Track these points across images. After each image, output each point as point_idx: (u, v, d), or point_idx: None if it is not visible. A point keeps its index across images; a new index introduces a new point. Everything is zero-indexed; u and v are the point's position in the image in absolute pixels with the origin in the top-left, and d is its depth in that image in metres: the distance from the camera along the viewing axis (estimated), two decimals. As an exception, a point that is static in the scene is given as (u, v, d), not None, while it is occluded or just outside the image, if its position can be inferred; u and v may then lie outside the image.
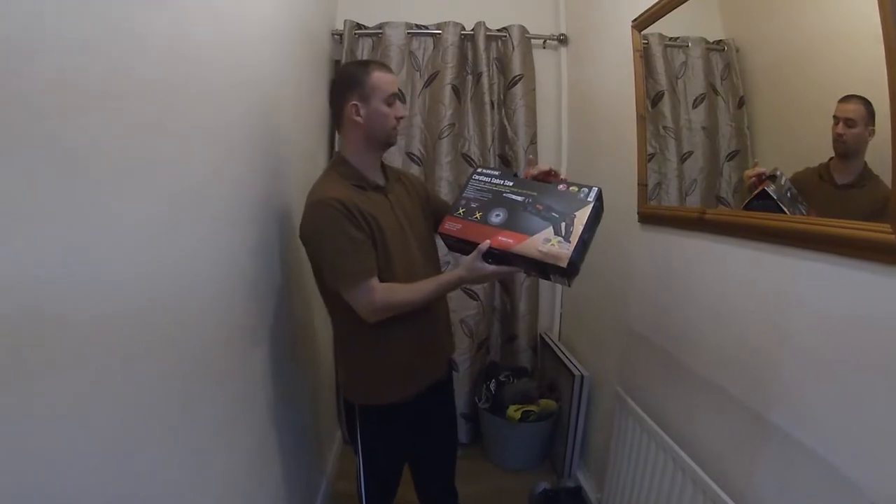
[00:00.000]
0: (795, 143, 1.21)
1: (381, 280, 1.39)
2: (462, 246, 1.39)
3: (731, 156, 1.42)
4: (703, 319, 1.48)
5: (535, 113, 2.57)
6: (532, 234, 1.28)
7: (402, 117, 1.46)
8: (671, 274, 1.66)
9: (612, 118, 2.11)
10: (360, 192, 1.42)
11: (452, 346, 1.75)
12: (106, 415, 0.75)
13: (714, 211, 1.43)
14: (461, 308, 2.57)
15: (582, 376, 2.26)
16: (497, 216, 1.34)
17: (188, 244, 1.01)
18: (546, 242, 1.26)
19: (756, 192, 1.26)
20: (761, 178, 1.26)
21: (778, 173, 1.23)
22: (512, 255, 1.29)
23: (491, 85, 2.54)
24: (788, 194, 1.21)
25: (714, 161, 1.51)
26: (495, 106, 2.57)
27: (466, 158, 2.54)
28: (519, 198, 1.35)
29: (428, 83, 2.53)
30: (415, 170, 2.52)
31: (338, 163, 1.49)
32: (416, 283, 1.40)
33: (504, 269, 1.34)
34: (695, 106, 1.63)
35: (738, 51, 1.42)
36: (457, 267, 1.40)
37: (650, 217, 1.76)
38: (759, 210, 1.23)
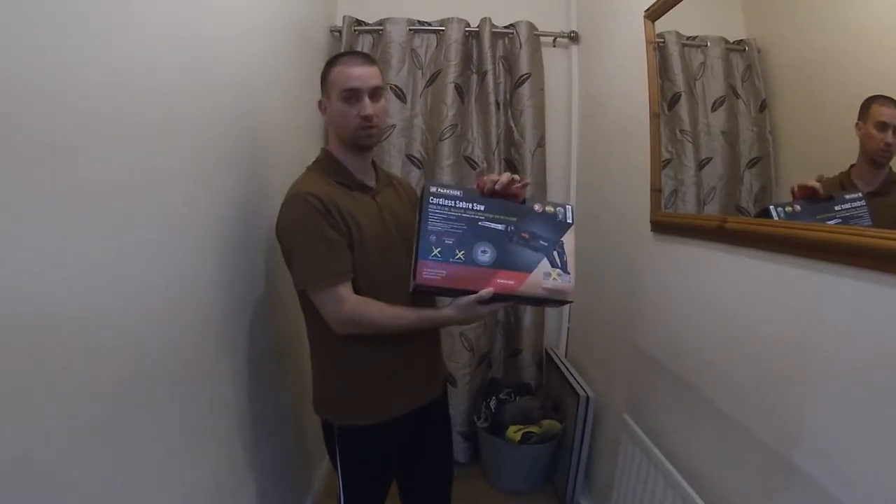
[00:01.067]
0: (821, 149, 1.12)
1: (359, 289, 1.27)
2: (449, 293, 1.24)
3: (753, 163, 1.31)
4: (719, 342, 1.32)
5: (543, 114, 2.42)
6: (530, 270, 1.20)
7: (366, 116, 1.29)
8: (685, 290, 1.50)
9: (624, 118, 1.96)
10: (343, 191, 1.30)
11: (443, 367, 1.60)
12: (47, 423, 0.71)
13: (736, 219, 1.27)
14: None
15: (587, 397, 2.10)
16: (484, 253, 1.20)
17: (144, 245, 0.96)
18: (548, 277, 1.20)
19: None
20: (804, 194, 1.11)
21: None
22: (514, 297, 1.22)
23: (497, 84, 2.40)
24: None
25: (734, 168, 1.38)
26: (501, 107, 2.43)
27: (469, 161, 2.40)
28: (499, 226, 1.22)
29: (430, 82, 2.39)
30: (415, 173, 2.39)
31: (323, 158, 1.37)
32: (397, 307, 1.26)
33: (497, 306, 1.24)
34: (714, 109, 1.50)
35: (759, 51, 1.32)
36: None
37: (664, 226, 1.60)
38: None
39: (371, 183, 1.39)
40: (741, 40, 1.38)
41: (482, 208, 1.22)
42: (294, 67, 1.85)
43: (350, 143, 1.32)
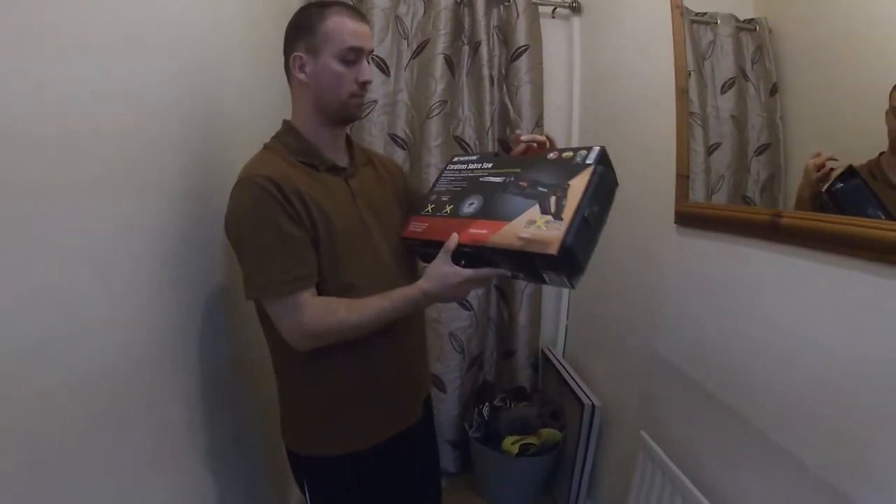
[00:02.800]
0: (835, 137, 1.06)
1: (328, 296, 1.05)
2: (431, 251, 1.06)
3: (761, 150, 1.23)
4: (763, 357, 1.13)
5: (541, 91, 2.18)
6: (512, 218, 0.98)
7: (366, 82, 1.08)
8: (721, 293, 1.29)
9: (640, 95, 1.73)
10: (307, 173, 1.07)
11: (427, 383, 1.37)
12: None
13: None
14: (451, 320, 2.19)
15: (593, 406, 1.89)
16: (470, 205, 1.06)
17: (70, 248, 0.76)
18: (530, 225, 0.95)
19: (837, 175, 1.00)
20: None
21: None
22: (489, 251, 0.98)
23: (491, 57, 2.14)
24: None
25: (742, 155, 1.29)
26: (495, 81, 2.17)
27: (460, 142, 2.15)
28: (498, 179, 1.07)
29: (416, 53, 2.13)
30: (399, 155, 2.13)
31: (284, 132, 1.12)
32: (364, 298, 1.04)
33: (483, 272, 1.01)
34: (723, 91, 1.37)
35: (770, 31, 1.24)
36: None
37: (693, 218, 1.39)
38: (847, 197, 0.98)
39: (344, 162, 1.16)
40: (752, 19, 1.29)
41: (490, 165, 1.13)
42: (261, 30, 1.58)
43: (335, 114, 1.09)
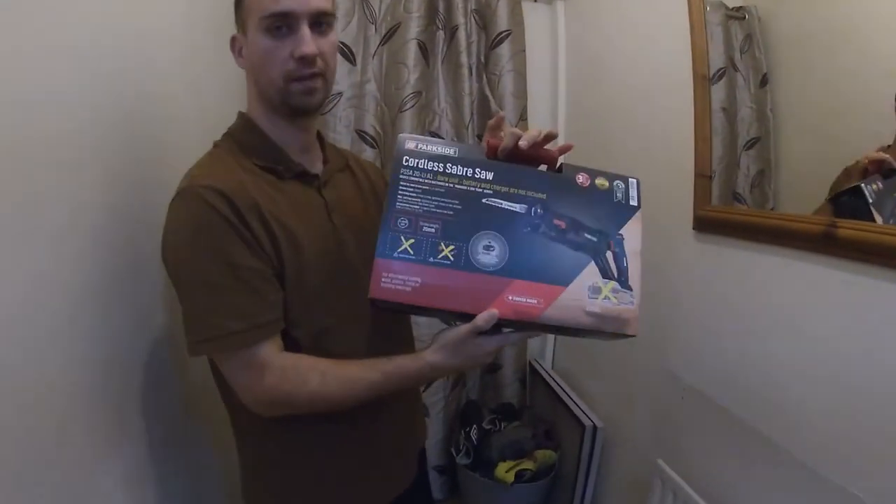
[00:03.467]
0: (827, 130, 1.02)
1: (298, 343, 0.82)
2: (418, 312, 0.83)
3: (751, 144, 1.17)
4: (808, 384, 1.00)
5: (525, 81, 1.98)
6: (566, 282, 0.76)
7: (306, 56, 0.79)
8: (749, 309, 1.14)
9: (643, 86, 1.55)
10: (269, 182, 0.83)
11: (423, 429, 1.16)
12: None
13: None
14: (431, 337, 1.97)
15: (594, 427, 1.72)
16: (488, 249, 0.76)
17: None
18: (596, 294, 0.76)
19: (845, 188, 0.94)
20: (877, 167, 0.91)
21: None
22: (537, 325, 0.77)
23: (469, 43, 1.92)
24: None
25: (732, 149, 1.21)
26: (474, 71, 1.96)
27: (437, 138, 1.93)
28: (517, 206, 0.78)
29: (386, 39, 1.89)
30: (368, 154, 1.90)
31: (240, 127, 0.88)
32: (349, 366, 0.80)
33: (512, 337, 0.80)
34: (713, 82, 1.26)
35: (760, 20, 1.19)
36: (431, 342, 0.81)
37: (716, 224, 1.22)
38: (845, 209, 0.93)
39: (315, 168, 0.92)
40: (741, 7, 1.24)
41: (489, 177, 0.79)
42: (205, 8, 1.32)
43: (277, 104, 0.83)
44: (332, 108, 1.85)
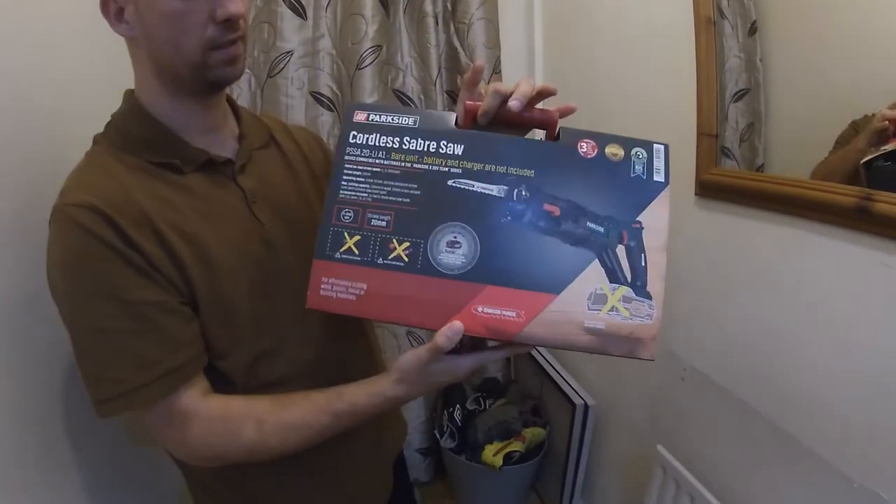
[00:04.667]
0: (821, 82, 0.92)
1: (230, 377, 0.67)
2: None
3: (739, 95, 1.07)
4: (831, 375, 0.88)
5: (497, 29, 1.77)
6: (558, 286, 0.59)
7: (232, 18, 0.60)
8: (765, 287, 1.02)
9: (632, 35, 1.37)
10: (164, 180, 0.65)
11: (399, 432, 1.02)
12: None
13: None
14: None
15: (585, 405, 1.62)
16: (453, 247, 0.60)
17: None
18: (599, 304, 0.58)
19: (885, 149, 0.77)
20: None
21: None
22: (515, 344, 0.62)
23: (433, -12, 1.71)
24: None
25: (720, 101, 1.09)
26: (440, 20, 1.74)
27: (401, 97, 1.74)
28: (494, 189, 0.61)
29: (338, -14, 1.67)
30: (325, 119, 1.70)
31: (124, 114, 0.68)
32: (293, 403, 0.65)
33: (491, 356, 0.65)
34: None
35: None
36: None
37: (724, 190, 1.08)
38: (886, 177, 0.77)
39: (227, 150, 0.72)
40: None
41: (459, 151, 0.62)
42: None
43: (188, 82, 0.64)
44: (283, 68, 1.63)
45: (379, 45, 1.68)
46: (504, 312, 0.58)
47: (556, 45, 1.80)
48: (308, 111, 1.69)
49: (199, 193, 0.67)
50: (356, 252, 0.61)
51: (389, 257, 0.60)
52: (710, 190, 1.11)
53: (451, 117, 0.65)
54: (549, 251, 0.60)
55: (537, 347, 1.86)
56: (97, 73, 0.92)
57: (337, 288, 0.60)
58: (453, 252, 0.60)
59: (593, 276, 0.59)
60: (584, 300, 0.58)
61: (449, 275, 0.59)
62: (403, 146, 0.63)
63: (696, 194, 1.15)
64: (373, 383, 0.64)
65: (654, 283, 0.59)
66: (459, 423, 1.84)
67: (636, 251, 0.60)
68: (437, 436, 1.87)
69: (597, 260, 0.59)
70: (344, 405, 0.64)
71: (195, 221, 0.64)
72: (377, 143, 0.63)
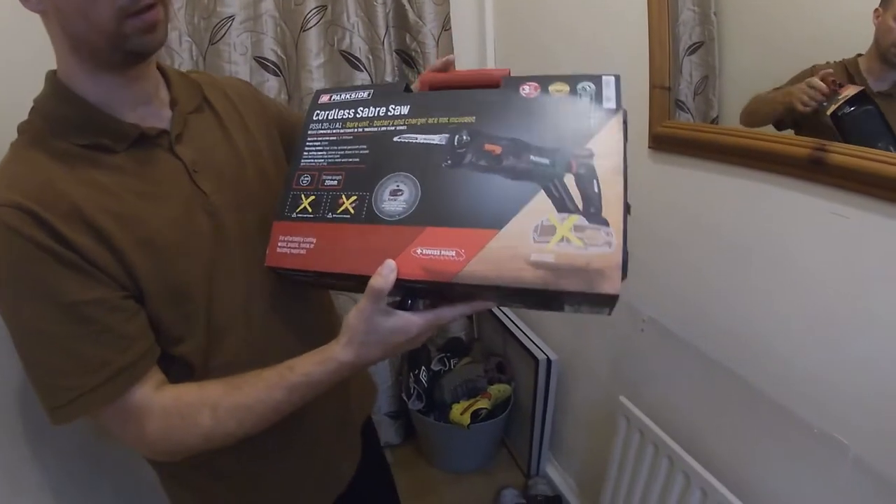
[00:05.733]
0: (775, 35, 0.94)
1: (190, 364, 0.66)
2: (329, 283, 0.70)
3: (693, 48, 1.07)
4: (787, 323, 0.91)
5: (445, -17, 1.72)
6: (500, 221, 0.56)
7: None
8: (718, 238, 1.05)
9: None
10: (95, 163, 0.60)
11: (368, 397, 1.02)
12: None
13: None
14: (369, 281, 1.82)
15: (549, 360, 1.65)
16: (396, 195, 0.61)
17: None
18: (546, 235, 0.55)
19: (845, 96, 0.79)
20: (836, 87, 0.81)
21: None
22: (460, 287, 0.57)
23: (376, -60, 1.64)
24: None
25: (674, 54, 1.09)
26: (386, -25, 1.68)
27: (349, 58, 1.68)
28: (435, 138, 0.62)
29: (275, -58, 1.58)
30: (271, 84, 1.63)
31: (46, 97, 0.63)
32: (245, 383, 0.62)
33: (445, 314, 0.61)
34: None
35: None
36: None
37: (677, 143, 1.08)
38: (858, 124, 0.79)
39: (161, 120, 0.67)
40: None
41: (405, 111, 0.66)
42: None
43: (105, 53, 0.59)
44: (225, 34, 1.54)
45: (323, 6, 1.61)
46: (443, 252, 0.57)
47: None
48: (253, 77, 1.61)
49: (134, 172, 0.62)
50: (310, 210, 0.63)
51: (338, 211, 0.62)
52: (663, 143, 1.12)
53: (403, 85, 0.68)
54: (492, 189, 0.58)
55: (501, 308, 1.89)
56: (22, 57, 0.85)
57: (290, 244, 0.63)
58: (395, 200, 0.60)
59: (539, 207, 0.56)
60: (530, 233, 0.55)
61: (390, 221, 0.60)
62: (357, 115, 0.67)
63: (649, 147, 1.16)
64: (323, 351, 0.62)
65: (611, 209, 0.55)
66: (426, 385, 1.86)
67: (587, 178, 0.56)
68: (405, 398, 1.89)
69: (542, 191, 0.57)
70: (297, 377, 0.61)
71: (133, 204, 0.60)
72: (335, 117, 0.68)
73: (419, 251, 0.57)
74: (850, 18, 0.80)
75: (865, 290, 0.78)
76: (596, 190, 0.56)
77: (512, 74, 0.65)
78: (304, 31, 1.60)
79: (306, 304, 0.81)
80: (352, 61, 1.68)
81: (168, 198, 0.64)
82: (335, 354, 0.61)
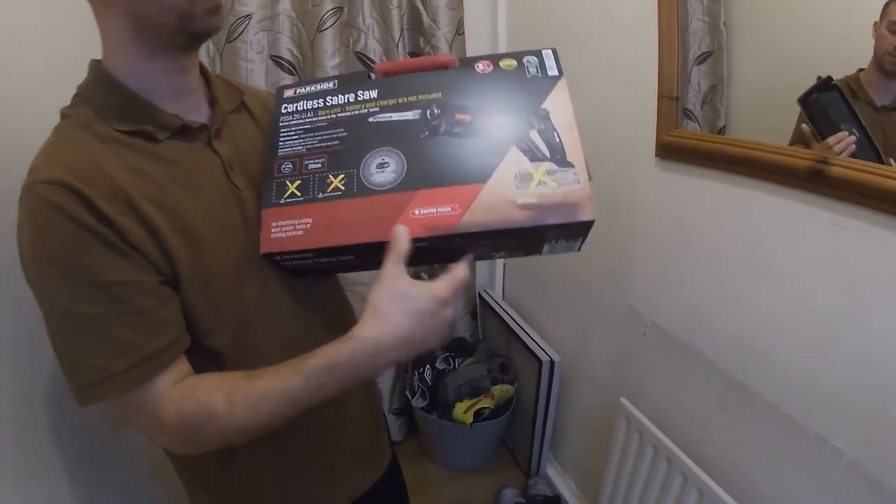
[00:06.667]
0: (782, 46, 0.95)
1: (216, 350, 0.66)
2: (325, 263, 0.70)
3: (703, 58, 1.09)
4: (787, 330, 0.94)
5: (460, -12, 1.75)
6: (484, 176, 0.65)
7: None
8: (721, 246, 1.07)
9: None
10: (138, 150, 0.62)
11: (385, 431, 1.02)
12: None
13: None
14: (374, 279, 1.84)
15: (552, 362, 1.67)
16: (383, 167, 0.67)
17: None
18: (526, 182, 0.64)
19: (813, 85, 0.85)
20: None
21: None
22: (460, 239, 0.63)
23: (393, -55, 1.67)
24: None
25: (683, 64, 1.11)
26: (401, -21, 1.71)
27: (363, 59, 1.71)
28: (409, 114, 0.70)
29: (295, -56, 1.61)
30: (286, 83, 1.65)
31: (91, 84, 0.65)
32: (260, 377, 0.61)
33: (458, 272, 0.63)
34: None
35: None
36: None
37: (684, 152, 1.11)
38: (824, 108, 0.85)
39: (201, 114, 0.70)
40: None
41: (374, 95, 0.72)
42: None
43: (172, 34, 0.61)
44: (242, 32, 1.58)
45: (340, 7, 1.64)
46: (439, 209, 0.63)
47: (519, 4, 1.79)
48: (269, 76, 1.65)
49: (175, 161, 0.64)
50: (298, 194, 0.67)
51: (328, 190, 0.66)
52: (670, 151, 1.14)
53: (366, 74, 0.75)
54: (470, 150, 0.66)
55: (499, 302, 1.91)
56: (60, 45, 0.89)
57: (285, 228, 0.66)
58: (383, 171, 0.66)
59: (514, 160, 0.65)
60: (511, 181, 0.64)
61: (382, 190, 0.65)
62: (327, 103, 0.73)
63: (656, 155, 1.18)
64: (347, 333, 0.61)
65: (574, 154, 0.65)
66: (430, 383, 1.89)
67: (548, 131, 0.67)
68: (409, 396, 1.92)
69: (514, 146, 0.66)
70: (317, 360, 0.59)
71: (173, 192, 0.62)
72: (305, 108, 0.73)
73: (417, 212, 0.63)
74: (855, 32, 0.81)
75: (862, 300, 0.81)
76: (558, 140, 0.66)
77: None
78: (320, 31, 1.64)
79: (334, 304, 0.83)
80: (366, 62, 1.71)
81: (205, 189, 0.66)
82: (357, 331, 0.59)
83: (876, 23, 0.77)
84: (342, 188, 0.66)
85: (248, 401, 0.59)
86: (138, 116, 0.63)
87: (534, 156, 0.65)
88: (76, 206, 0.54)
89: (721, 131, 1.07)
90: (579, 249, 0.72)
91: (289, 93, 0.76)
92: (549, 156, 0.65)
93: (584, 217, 0.62)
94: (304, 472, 0.79)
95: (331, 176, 0.67)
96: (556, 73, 0.71)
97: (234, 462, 0.73)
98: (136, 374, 0.57)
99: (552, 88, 0.70)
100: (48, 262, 0.56)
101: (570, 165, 0.64)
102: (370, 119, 0.70)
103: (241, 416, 0.59)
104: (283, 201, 0.67)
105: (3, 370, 0.77)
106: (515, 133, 0.66)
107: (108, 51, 0.64)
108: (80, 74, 0.65)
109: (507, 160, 0.65)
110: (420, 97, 0.70)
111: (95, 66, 0.65)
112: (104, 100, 0.63)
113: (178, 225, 0.61)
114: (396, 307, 0.59)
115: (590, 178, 0.64)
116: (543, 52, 0.73)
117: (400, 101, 0.70)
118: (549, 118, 0.67)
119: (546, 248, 0.71)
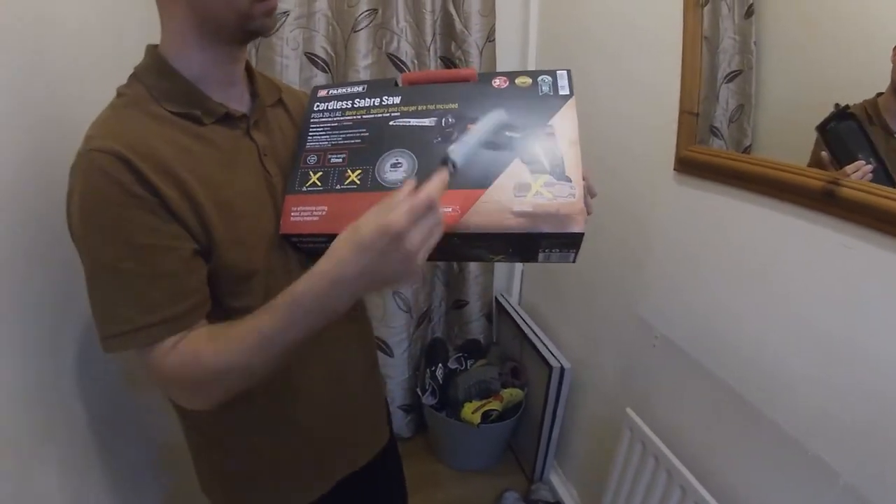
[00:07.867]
0: (811, 68, 0.95)
1: (233, 316, 0.67)
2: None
3: (732, 76, 1.09)
4: (794, 350, 0.94)
5: (493, -3, 1.78)
6: (486, 182, 0.69)
7: None
8: (734, 264, 1.07)
9: (629, 8, 1.37)
10: (185, 131, 0.68)
11: (383, 406, 1.08)
12: None
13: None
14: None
15: (562, 368, 1.69)
16: (396, 166, 0.73)
17: None
18: (524, 192, 0.68)
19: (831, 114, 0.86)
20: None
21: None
22: (458, 238, 0.68)
23: (430, -49, 1.71)
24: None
25: (712, 82, 1.12)
26: (436, -15, 1.75)
27: (395, 61, 1.75)
28: (426, 121, 0.76)
29: (335, -54, 1.66)
30: (319, 79, 1.71)
31: (147, 68, 0.70)
32: (240, 322, 0.63)
33: (416, 201, 0.58)
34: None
35: None
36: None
37: (701, 167, 1.12)
38: (841, 137, 0.86)
39: (243, 105, 0.76)
40: None
41: (397, 101, 0.79)
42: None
43: (231, 31, 0.68)
44: (279, 29, 1.63)
45: (374, 9, 1.68)
46: (442, 209, 0.64)
47: (550, 16, 1.81)
48: (302, 72, 1.70)
49: (216, 144, 0.70)
50: (319, 184, 0.74)
51: (345, 183, 0.73)
52: (688, 166, 1.15)
53: (393, 81, 0.81)
54: (477, 158, 0.71)
55: (515, 308, 1.93)
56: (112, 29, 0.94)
57: (304, 213, 0.72)
58: (396, 170, 0.73)
59: (516, 170, 0.69)
60: (511, 189, 0.68)
61: (393, 187, 0.70)
62: (355, 105, 0.80)
63: (674, 169, 1.19)
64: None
65: (572, 170, 0.69)
66: (441, 382, 1.92)
67: (551, 147, 0.71)
68: (419, 393, 1.95)
69: (518, 158, 0.70)
70: (283, 297, 0.61)
71: (214, 170, 0.68)
72: (335, 107, 0.81)
73: None
74: (881, 55, 0.81)
75: (867, 324, 0.81)
76: (559, 155, 0.70)
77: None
78: (355, 31, 1.68)
79: None
80: (398, 64, 1.75)
81: (240, 170, 0.72)
82: (314, 267, 0.61)
83: (895, 48, 0.77)
84: (357, 182, 0.73)
85: (227, 341, 0.63)
86: (188, 101, 0.69)
87: (535, 168, 0.69)
88: (126, 175, 0.60)
89: (747, 150, 1.07)
90: (574, 261, 0.75)
91: (322, 92, 0.83)
92: (549, 169, 0.69)
93: (575, 229, 0.66)
94: (296, 441, 0.84)
95: (349, 170, 0.74)
96: (567, 92, 0.76)
97: (235, 416, 0.78)
98: (157, 330, 0.63)
99: (561, 107, 0.74)
100: (94, 222, 0.61)
101: (568, 180, 0.68)
102: (391, 122, 0.76)
103: (223, 355, 0.63)
104: (304, 189, 0.74)
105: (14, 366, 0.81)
106: (521, 145, 0.71)
107: (166, 38, 0.69)
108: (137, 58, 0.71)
109: (509, 170, 0.69)
110: (438, 106, 0.76)
111: (152, 50, 0.71)
112: (158, 82, 0.68)
113: (216, 197, 0.67)
114: (345, 242, 0.59)
115: (594, 195, 0.69)
116: (558, 72, 0.78)
117: (419, 108, 0.77)
118: (554, 134, 0.72)
119: (541, 255, 0.74)
